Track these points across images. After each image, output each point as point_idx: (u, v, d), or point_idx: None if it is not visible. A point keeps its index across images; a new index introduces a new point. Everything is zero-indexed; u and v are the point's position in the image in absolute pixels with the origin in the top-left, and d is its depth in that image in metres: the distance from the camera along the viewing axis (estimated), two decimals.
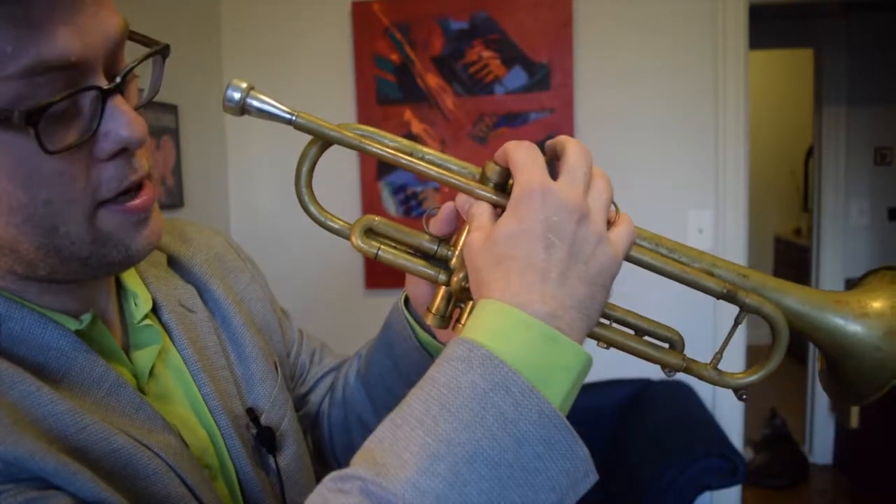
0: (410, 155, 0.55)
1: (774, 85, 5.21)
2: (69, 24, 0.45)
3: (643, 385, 2.29)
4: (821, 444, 3.52)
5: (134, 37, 0.52)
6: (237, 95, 0.52)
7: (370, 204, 2.39)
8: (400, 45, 2.35)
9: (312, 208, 0.58)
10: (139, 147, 0.50)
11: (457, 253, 0.57)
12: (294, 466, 0.68)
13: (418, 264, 0.58)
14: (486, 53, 2.32)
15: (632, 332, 0.59)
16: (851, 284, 0.60)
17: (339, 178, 2.42)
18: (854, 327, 0.55)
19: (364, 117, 2.38)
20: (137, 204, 0.51)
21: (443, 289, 0.58)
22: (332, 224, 0.59)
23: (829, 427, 3.50)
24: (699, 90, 2.26)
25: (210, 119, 2.42)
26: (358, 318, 2.42)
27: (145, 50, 0.53)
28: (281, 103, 0.54)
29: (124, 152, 0.50)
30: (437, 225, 0.59)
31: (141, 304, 0.61)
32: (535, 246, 0.47)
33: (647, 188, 2.30)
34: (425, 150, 0.56)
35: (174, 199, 2.11)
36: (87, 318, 0.55)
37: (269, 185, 2.49)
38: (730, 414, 2.30)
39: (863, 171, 3.42)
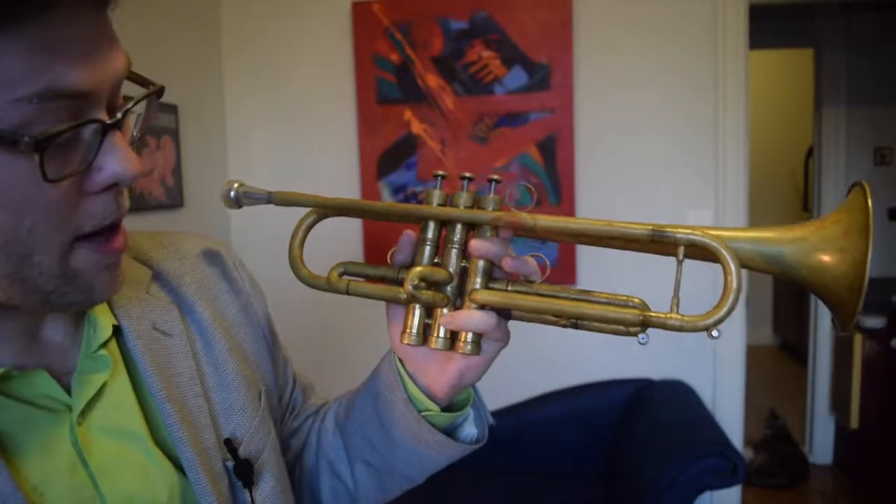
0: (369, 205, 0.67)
1: (774, 85, 5.20)
2: (86, 57, 0.46)
3: (643, 385, 2.29)
4: (821, 444, 3.52)
5: (131, 76, 0.53)
6: (232, 193, 0.67)
7: None
8: (400, 45, 2.35)
9: (303, 273, 0.69)
10: (130, 184, 0.51)
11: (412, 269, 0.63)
12: (272, 501, 0.65)
13: (380, 289, 0.66)
14: (486, 53, 2.32)
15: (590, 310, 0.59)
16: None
17: (339, 178, 2.42)
18: (797, 247, 0.57)
19: (364, 117, 2.38)
20: (114, 246, 0.52)
21: (410, 308, 0.65)
22: (320, 283, 0.69)
23: (829, 427, 3.49)
24: (699, 90, 2.26)
25: (210, 119, 2.42)
26: (358, 318, 2.42)
27: (137, 87, 0.54)
28: (260, 187, 0.69)
29: (114, 188, 0.50)
30: (396, 255, 0.66)
31: (99, 331, 0.58)
32: None
33: (647, 188, 2.30)
34: (377, 203, 0.67)
35: (174, 199, 2.11)
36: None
37: (269, 185, 2.43)
38: (730, 414, 2.30)
39: (863, 171, 3.42)
